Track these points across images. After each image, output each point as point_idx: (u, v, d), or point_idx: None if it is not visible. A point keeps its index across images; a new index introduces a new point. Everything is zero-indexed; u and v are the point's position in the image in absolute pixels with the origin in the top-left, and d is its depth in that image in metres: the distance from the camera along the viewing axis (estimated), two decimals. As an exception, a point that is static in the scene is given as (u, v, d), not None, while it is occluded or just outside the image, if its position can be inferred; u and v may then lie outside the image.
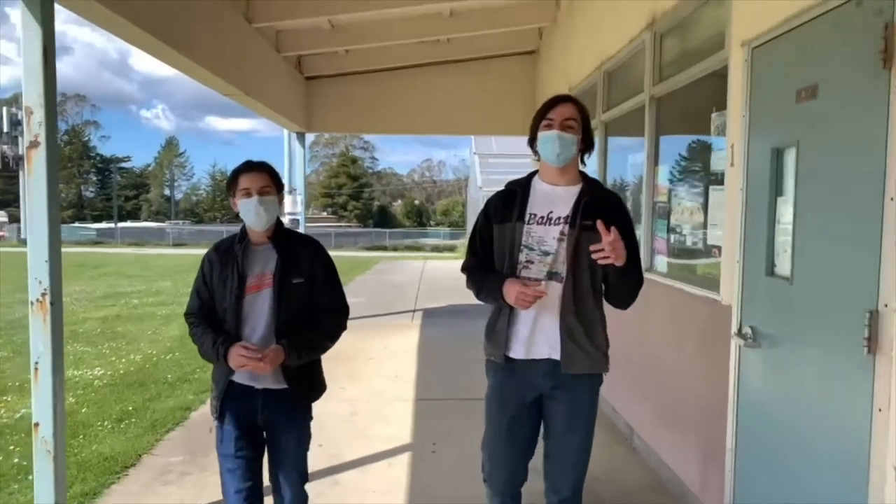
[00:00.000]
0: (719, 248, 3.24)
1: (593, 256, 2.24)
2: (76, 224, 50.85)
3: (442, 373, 6.61)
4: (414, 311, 11.06)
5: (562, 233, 2.35)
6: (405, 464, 4.23)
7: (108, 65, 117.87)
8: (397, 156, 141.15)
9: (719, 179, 3.28)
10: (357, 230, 49.93)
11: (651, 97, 4.29)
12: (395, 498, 3.73)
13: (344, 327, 2.60)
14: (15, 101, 59.27)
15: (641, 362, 4.25)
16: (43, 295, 3.05)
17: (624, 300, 2.45)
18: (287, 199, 7.87)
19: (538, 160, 2.48)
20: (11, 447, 4.48)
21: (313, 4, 6.34)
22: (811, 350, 2.40)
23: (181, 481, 3.92)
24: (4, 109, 43.24)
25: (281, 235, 2.55)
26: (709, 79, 3.48)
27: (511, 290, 2.30)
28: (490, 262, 2.47)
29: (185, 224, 56.67)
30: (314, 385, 2.63)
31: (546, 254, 2.35)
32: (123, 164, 67.81)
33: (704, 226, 3.57)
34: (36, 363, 3.07)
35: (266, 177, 2.49)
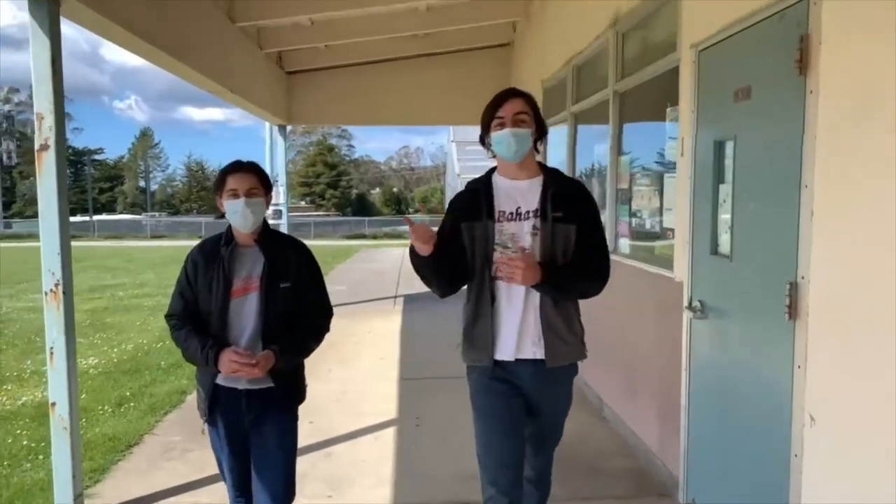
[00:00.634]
0: (673, 231, 3.59)
1: (498, 273, 2.31)
2: (50, 218, 50.09)
3: (424, 353, 6.94)
4: (395, 296, 11.38)
5: (534, 227, 2.35)
6: (391, 437, 4.56)
7: (80, 56, 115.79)
8: (374, 143, 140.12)
9: (674, 168, 3.61)
10: (336, 219, 50.03)
11: (615, 92, 4.62)
12: (384, 467, 4.06)
13: (328, 329, 2.60)
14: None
15: (608, 338, 4.60)
16: (56, 285, 3.32)
17: (582, 294, 2.46)
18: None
19: (493, 156, 2.46)
20: (18, 431, 4.74)
21: (294, 3, 6.57)
22: (746, 319, 2.75)
23: (184, 457, 4.21)
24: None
25: (267, 238, 2.52)
26: (666, 76, 3.80)
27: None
28: (454, 258, 2.38)
29: (161, 216, 56.28)
30: (299, 383, 2.61)
31: (522, 250, 2.32)
32: (97, 157, 67.07)
33: (661, 211, 3.93)
34: (51, 348, 3.33)
35: (254, 178, 2.47)
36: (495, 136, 2.35)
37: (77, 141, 65.13)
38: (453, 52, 9.25)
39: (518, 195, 2.39)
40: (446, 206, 2.66)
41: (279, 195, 9.69)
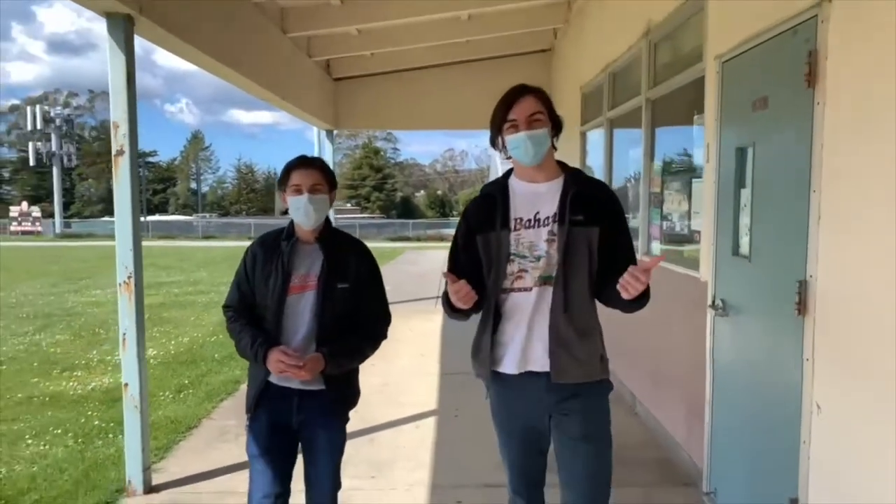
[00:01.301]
0: (700, 233, 3.76)
1: (619, 287, 2.02)
2: (106, 218, 52.14)
3: (464, 351, 7.15)
4: (437, 297, 11.64)
5: (551, 233, 2.15)
6: (431, 426, 4.82)
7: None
8: (419, 146, 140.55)
9: (701, 173, 3.78)
10: (381, 221, 50.65)
11: (647, 99, 4.79)
12: (422, 452, 4.32)
13: (385, 336, 2.53)
14: (45, 98, 61.02)
15: (640, 337, 4.77)
16: (129, 278, 3.69)
17: (622, 309, 2.20)
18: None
19: (508, 158, 2.26)
20: (90, 412, 5.17)
21: (342, 15, 6.91)
22: (762, 315, 2.93)
23: (238, 440, 4.54)
24: (36, 108, 44.43)
25: (328, 236, 2.45)
26: (693, 84, 3.97)
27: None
28: (472, 272, 2.20)
29: (211, 217, 57.80)
30: (351, 389, 2.54)
31: (539, 258, 2.15)
32: (150, 159, 69.26)
33: (689, 214, 4.09)
34: (124, 334, 3.69)
35: (319, 174, 2.40)
36: (510, 139, 2.17)
37: (132, 143, 67.25)
38: (495, 58, 9.48)
39: (537, 199, 2.20)
40: None
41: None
